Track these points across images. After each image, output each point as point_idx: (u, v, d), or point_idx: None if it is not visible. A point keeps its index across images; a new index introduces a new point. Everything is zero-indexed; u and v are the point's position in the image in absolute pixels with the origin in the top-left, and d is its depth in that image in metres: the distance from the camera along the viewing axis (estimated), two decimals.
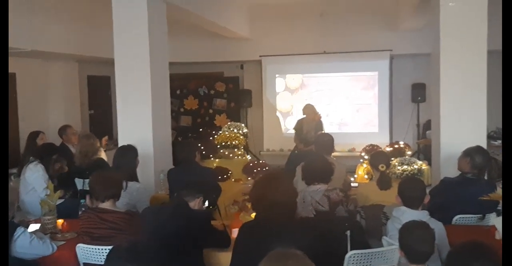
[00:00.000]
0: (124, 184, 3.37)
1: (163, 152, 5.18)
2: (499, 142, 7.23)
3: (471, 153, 3.84)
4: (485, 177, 4.00)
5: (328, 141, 4.69)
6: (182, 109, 10.09)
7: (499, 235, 3.03)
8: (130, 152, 4.09)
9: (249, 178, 5.55)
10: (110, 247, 2.14)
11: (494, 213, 3.51)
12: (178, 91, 9.91)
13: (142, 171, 4.45)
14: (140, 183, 4.04)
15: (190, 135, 9.59)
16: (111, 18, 4.96)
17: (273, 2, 8.63)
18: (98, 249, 2.93)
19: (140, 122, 4.94)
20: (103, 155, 5.21)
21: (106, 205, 3.07)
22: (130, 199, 3.70)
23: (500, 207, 3.51)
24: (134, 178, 3.98)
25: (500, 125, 7.51)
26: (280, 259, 1.47)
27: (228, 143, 7.01)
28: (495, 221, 3.18)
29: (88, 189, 3.31)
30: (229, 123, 7.96)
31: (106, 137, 5.91)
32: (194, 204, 3.01)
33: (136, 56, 4.91)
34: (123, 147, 4.28)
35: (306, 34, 9.00)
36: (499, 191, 3.47)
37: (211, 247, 3.00)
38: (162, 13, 5.25)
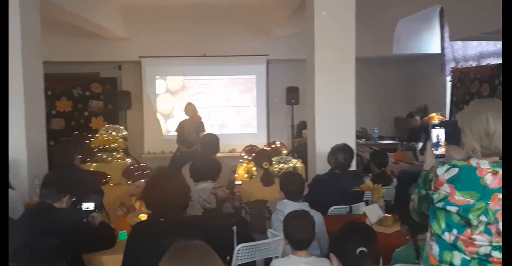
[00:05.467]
0: None
1: (38, 157, 4.86)
2: (363, 140, 8.03)
3: (335, 151, 4.15)
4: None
5: (213, 141, 4.82)
6: (53, 112, 9.42)
7: (369, 221, 3.41)
8: None
9: (129, 182, 5.43)
10: None
11: (363, 203, 3.92)
12: (49, 92, 9.21)
13: (15, 177, 4.17)
14: (15, 190, 3.77)
15: (63, 138, 9.01)
16: None
17: (151, 3, 8.55)
18: None
19: (11, 125, 4.57)
20: None
21: None
22: None
23: (368, 198, 3.95)
24: None
25: (364, 125, 8.35)
26: (183, 250, 1.52)
27: (106, 146, 6.76)
28: (365, 209, 3.58)
29: None
30: (106, 126, 7.65)
31: None
32: (60, 204, 2.85)
33: None
34: None
35: (187, 36, 9.06)
36: (367, 182, 3.89)
37: (91, 248, 2.83)
38: (35, 8, 4.94)
